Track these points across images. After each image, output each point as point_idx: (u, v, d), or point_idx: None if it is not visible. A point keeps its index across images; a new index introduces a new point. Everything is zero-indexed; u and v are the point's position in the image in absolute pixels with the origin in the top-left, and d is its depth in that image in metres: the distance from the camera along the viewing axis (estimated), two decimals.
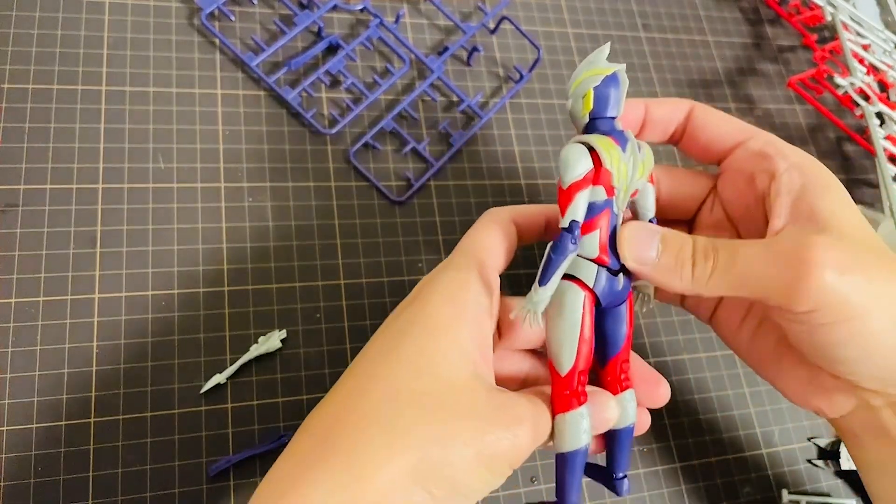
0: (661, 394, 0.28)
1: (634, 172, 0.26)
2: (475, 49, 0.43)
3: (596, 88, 0.26)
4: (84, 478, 0.30)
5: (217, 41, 0.40)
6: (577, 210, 0.24)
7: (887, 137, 0.48)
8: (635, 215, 0.28)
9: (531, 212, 0.28)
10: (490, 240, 0.27)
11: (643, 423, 0.28)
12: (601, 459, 0.28)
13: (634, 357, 0.29)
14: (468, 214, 0.40)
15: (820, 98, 0.51)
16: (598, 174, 0.25)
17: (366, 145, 0.40)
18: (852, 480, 0.40)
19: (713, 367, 0.41)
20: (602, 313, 0.27)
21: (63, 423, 0.31)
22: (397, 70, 0.42)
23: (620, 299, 0.26)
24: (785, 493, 0.38)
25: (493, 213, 0.28)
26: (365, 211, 0.39)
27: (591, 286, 0.25)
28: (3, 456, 0.30)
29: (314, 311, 0.36)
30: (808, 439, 0.40)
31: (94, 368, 0.32)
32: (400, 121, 0.41)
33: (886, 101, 0.50)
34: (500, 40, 0.45)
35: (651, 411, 0.38)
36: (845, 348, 0.25)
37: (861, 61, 0.51)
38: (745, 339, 0.31)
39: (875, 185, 0.51)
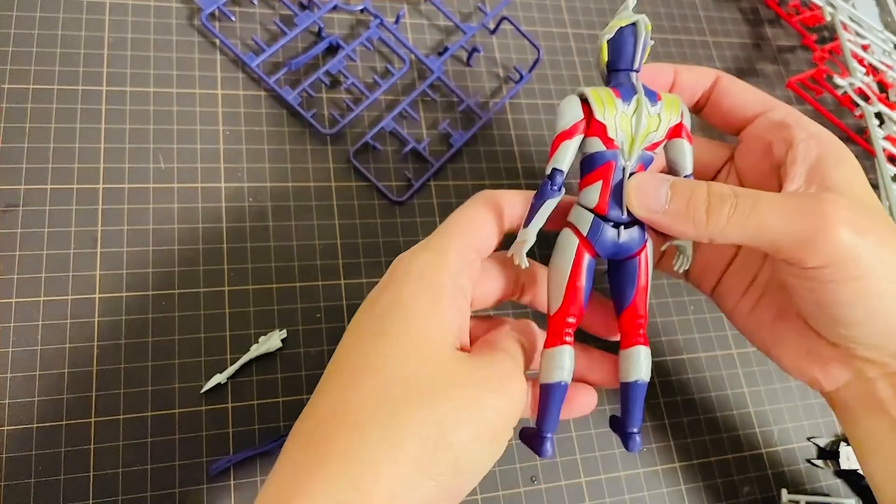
0: (584, 402, 0.29)
1: (640, 126, 0.25)
2: (475, 49, 0.43)
3: (610, 40, 0.26)
4: (84, 478, 0.30)
5: (217, 41, 0.40)
6: (559, 158, 0.25)
7: (886, 138, 0.48)
8: (673, 174, 0.28)
9: (522, 196, 0.27)
10: (473, 220, 0.26)
11: (588, 403, 0.28)
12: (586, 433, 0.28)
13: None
14: None
15: (819, 98, 0.51)
16: (591, 125, 0.25)
17: (366, 145, 0.40)
18: (852, 480, 0.40)
19: (713, 367, 0.41)
20: (614, 267, 0.27)
21: (63, 423, 0.31)
22: (397, 70, 0.42)
23: (627, 252, 0.26)
24: (784, 493, 0.38)
25: (482, 194, 0.28)
26: (365, 211, 0.39)
27: (584, 234, 0.26)
28: (4, 456, 0.30)
29: (314, 310, 0.36)
30: (808, 439, 0.40)
31: (95, 368, 0.32)
32: (400, 121, 0.41)
33: (886, 101, 0.50)
34: (500, 40, 0.46)
35: (651, 411, 0.39)
36: (849, 308, 0.25)
37: (860, 62, 0.51)
38: (745, 310, 0.31)
39: (875, 186, 0.51)
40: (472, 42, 0.44)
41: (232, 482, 0.32)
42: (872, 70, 0.52)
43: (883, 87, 0.52)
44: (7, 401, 0.30)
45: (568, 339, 0.26)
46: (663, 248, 0.29)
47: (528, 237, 0.26)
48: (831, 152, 0.27)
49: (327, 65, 0.40)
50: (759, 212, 0.24)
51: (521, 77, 0.44)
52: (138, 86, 0.37)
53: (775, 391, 0.41)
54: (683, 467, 0.38)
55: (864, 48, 0.53)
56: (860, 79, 0.49)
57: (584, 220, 0.26)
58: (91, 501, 0.30)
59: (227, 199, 0.37)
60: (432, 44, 0.44)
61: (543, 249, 0.41)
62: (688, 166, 0.27)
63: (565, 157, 0.25)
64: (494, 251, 0.28)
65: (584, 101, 0.25)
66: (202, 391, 0.33)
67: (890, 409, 0.27)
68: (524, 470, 0.35)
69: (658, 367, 0.40)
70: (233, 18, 0.41)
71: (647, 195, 0.25)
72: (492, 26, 0.45)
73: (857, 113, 0.48)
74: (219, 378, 0.33)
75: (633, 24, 0.26)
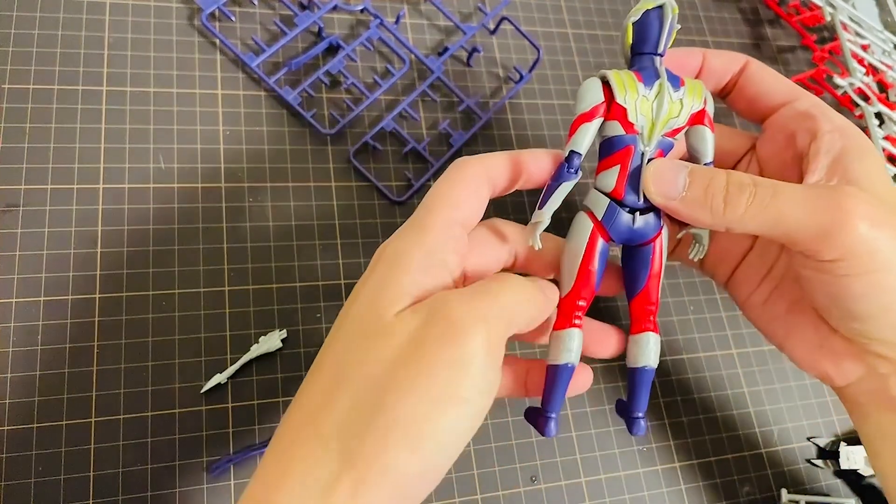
0: (612, 342, 0.28)
1: (661, 111, 0.25)
2: (475, 49, 0.43)
3: (636, 23, 0.26)
4: (84, 477, 0.30)
5: (217, 41, 0.40)
6: (577, 141, 0.25)
7: (886, 138, 0.48)
8: (693, 160, 0.28)
9: (503, 159, 0.26)
10: (453, 192, 0.25)
11: (585, 382, 0.28)
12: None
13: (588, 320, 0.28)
14: None
15: (819, 98, 0.51)
16: (612, 109, 0.25)
17: (366, 145, 0.40)
18: (852, 480, 0.40)
19: (713, 367, 0.41)
20: (628, 252, 0.27)
21: (63, 422, 0.31)
22: (397, 70, 0.42)
23: (641, 238, 0.26)
24: (784, 493, 0.38)
25: (460, 164, 0.26)
26: (365, 211, 0.39)
27: (599, 218, 0.26)
28: (4, 456, 0.30)
29: (315, 310, 0.36)
30: (808, 439, 0.40)
31: (95, 368, 0.32)
32: (400, 121, 0.41)
33: (886, 101, 0.50)
34: (499, 41, 0.46)
35: (650, 411, 0.39)
36: (863, 302, 0.25)
37: (860, 62, 0.51)
38: (759, 301, 0.31)
39: None
40: (472, 42, 0.44)
41: (232, 482, 0.32)
42: (872, 70, 0.52)
43: (883, 87, 0.52)
44: (7, 401, 0.30)
45: (577, 321, 0.26)
46: (679, 235, 0.28)
47: (543, 219, 0.25)
48: (855, 145, 0.27)
49: (327, 65, 0.40)
50: (777, 202, 0.24)
51: (521, 77, 0.44)
52: (138, 86, 0.37)
53: (775, 391, 0.41)
54: (683, 467, 0.38)
55: (864, 48, 0.53)
56: (860, 79, 0.49)
57: (600, 205, 0.26)
58: (91, 501, 0.30)
59: (227, 199, 0.37)
60: (432, 44, 0.44)
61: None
62: (709, 154, 0.27)
63: (584, 140, 0.25)
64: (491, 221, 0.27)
65: (606, 84, 0.25)
66: (202, 391, 0.33)
67: None
68: (524, 470, 0.35)
69: (658, 367, 0.40)
70: (233, 18, 0.41)
71: (664, 181, 0.25)
72: (492, 26, 0.45)
73: (857, 113, 0.48)
74: (219, 378, 0.33)
75: (660, 6, 0.26)
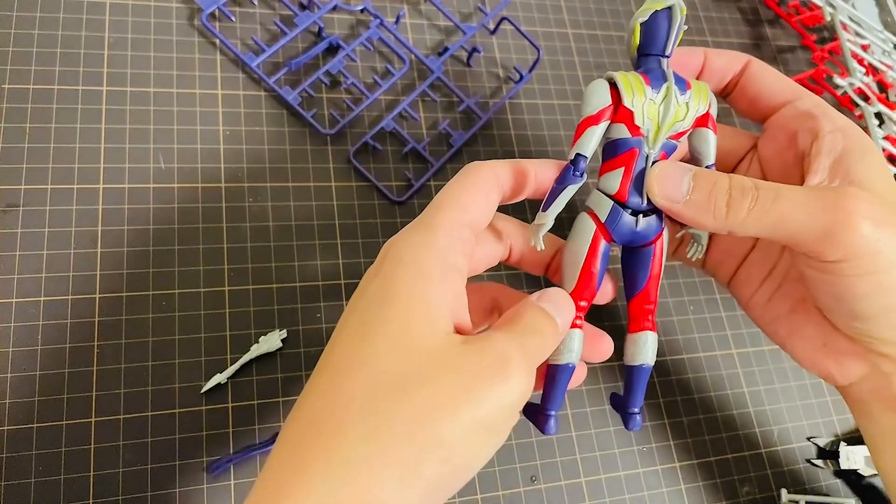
0: (604, 348, 0.28)
1: (668, 114, 0.25)
2: (475, 49, 0.43)
3: (643, 24, 0.26)
4: (84, 477, 0.30)
5: (217, 41, 0.40)
6: (583, 144, 0.25)
7: (886, 138, 0.48)
8: (695, 162, 0.28)
9: (511, 167, 0.26)
10: (463, 196, 0.25)
11: (580, 377, 0.28)
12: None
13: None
14: None
15: (821, 98, 0.51)
16: (618, 112, 0.25)
17: (366, 145, 0.40)
18: (851, 480, 0.40)
19: (713, 367, 0.41)
20: (628, 253, 0.27)
21: (63, 422, 0.31)
22: (397, 70, 0.42)
23: (643, 240, 0.26)
24: (784, 493, 0.38)
25: (470, 168, 0.26)
26: (365, 211, 0.39)
27: (602, 220, 0.25)
28: (4, 456, 0.30)
29: (315, 310, 0.36)
30: (808, 439, 0.40)
31: (95, 368, 0.32)
32: (400, 121, 0.41)
33: (885, 101, 0.50)
34: (499, 41, 0.46)
35: (650, 411, 0.39)
36: (867, 302, 0.25)
37: (860, 62, 0.51)
38: (762, 301, 0.31)
39: None
40: (472, 42, 0.44)
41: (232, 482, 0.32)
42: (872, 70, 0.52)
43: (883, 87, 0.52)
44: (7, 401, 0.30)
45: (578, 322, 0.26)
46: (678, 235, 0.28)
47: (547, 221, 0.25)
48: (857, 146, 0.27)
49: (327, 65, 0.40)
50: (779, 205, 0.24)
51: (521, 77, 0.44)
52: (138, 86, 0.37)
53: (775, 391, 0.41)
54: (683, 467, 0.38)
55: (864, 48, 0.53)
56: (860, 79, 0.49)
57: (604, 207, 0.26)
58: (91, 501, 0.30)
59: (227, 199, 0.37)
60: (432, 44, 0.44)
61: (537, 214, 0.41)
62: (711, 156, 0.27)
63: (590, 143, 0.25)
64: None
65: (612, 86, 0.25)
66: (202, 391, 0.33)
67: None
68: (524, 470, 0.35)
69: (658, 367, 0.40)
70: (233, 18, 0.41)
71: (668, 184, 0.25)
72: (492, 26, 0.45)
73: (857, 113, 0.48)
74: (219, 378, 0.33)
75: (669, 7, 0.25)
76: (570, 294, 0.26)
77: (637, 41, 0.26)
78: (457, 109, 0.42)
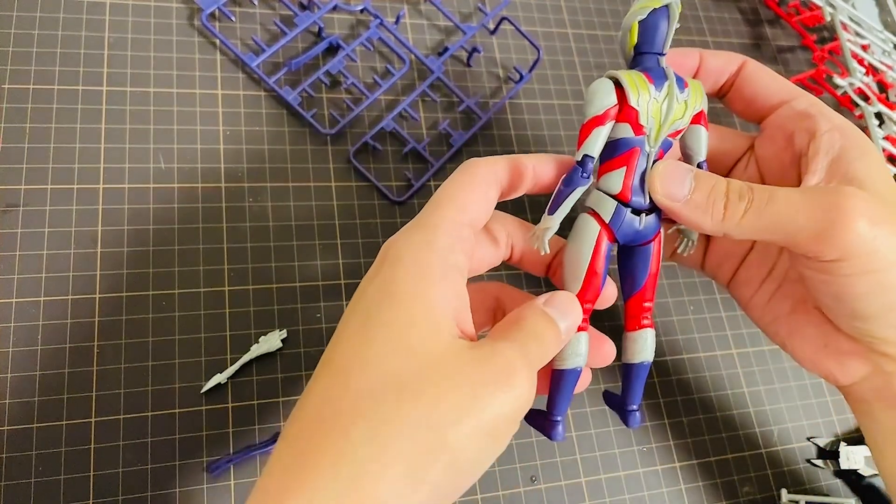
0: (607, 352, 0.28)
1: (670, 112, 0.25)
2: (475, 49, 0.43)
3: (641, 22, 0.25)
4: (84, 477, 0.30)
5: (217, 42, 0.40)
6: (591, 145, 0.24)
7: (886, 138, 0.48)
8: (685, 158, 0.28)
9: (509, 163, 0.26)
10: (462, 194, 0.25)
11: (585, 381, 0.28)
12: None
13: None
14: None
15: (819, 98, 0.51)
16: (623, 111, 0.24)
17: (366, 145, 0.40)
18: (851, 480, 0.40)
19: (713, 367, 0.41)
20: (627, 251, 0.27)
21: (63, 422, 0.31)
22: (397, 70, 0.42)
23: (643, 239, 0.26)
24: (784, 493, 0.38)
25: (468, 165, 0.26)
26: (365, 211, 0.39)
27: (606, 221, 0.25)
28: (4, 456, 0.30)
29: (315, 310, 0.36)
30: (808, 439, 0.40)
31: (95, 368, 0.32)
32: (400, 121, 0.41)
33: (885, 101, 0.50)
34: (499, 41, 0.46)
35: (650, 411, 0.39)
36: (867, 301, 0.25)
37: (860, 62, 0.51)
38: (762, 301, 0.31)
39: None
40: (472, 42, 0.44)
41: (232, 482, 0.32)
42: (872, 70, 0.52)
43: (883, 87, 0.52)
44: (7, 401, 0.30)
45: (584, 324, 0.26)
46: (669, 231, 0.29)
47: (553, 224, 0.25)
48: (854, 145, 0.27)
49: (327, 65, 0.40)
50: (773, 207, 0.24)
51: (521, 77, 0.44)
52: (138, 86, 0.37)
53: (775, 391, 0.41)
54: (683, 467, 0.38)
55: (864, 48, 0.53)
56: (860, 79, 0.49)
57: (607, 207, 0.25)
58: (91, 501, 0.30)
59: (227, 199, 0.37)
60: (432, 44, 0.44)
61: (536, 214, 0.41)
62: (703, 153, 0.27)
63: (597, 144, 0.25)
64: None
65: (617, 85, 0.25)
66: (202, 391, 0.33)
67: None
68: (524, 470, 0.35)
69: (658, 367, 0.40)
70: (233, 18, 0.41)
71: (671, 183, 0.25)
72: (492, 26, 0.45)
73: (857, 113, 0.48)
74: (219, 378, 0.33)
75: (666, 6, 0.25)
76: (576, 296, 0.26)
77: (634, 40, 0.26)
78: (457, 109, 0.42)
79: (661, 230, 0.27)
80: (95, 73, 0.37)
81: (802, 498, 0.38)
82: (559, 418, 0.25)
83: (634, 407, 0.27)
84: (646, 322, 0.27)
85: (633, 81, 0.24)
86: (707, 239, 0.33)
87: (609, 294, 0.27)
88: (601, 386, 0.38)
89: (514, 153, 0.42)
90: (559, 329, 0.24)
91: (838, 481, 0.40)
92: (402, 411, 0.20)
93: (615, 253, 0.28)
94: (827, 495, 0.39)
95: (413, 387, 0.21)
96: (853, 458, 0.39)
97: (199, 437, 0.32)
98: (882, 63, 0.52)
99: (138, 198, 0.35)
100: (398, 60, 0.43)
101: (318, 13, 0.41)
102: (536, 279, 0.39)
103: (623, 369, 0.28)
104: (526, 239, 0.27)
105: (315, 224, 0.38)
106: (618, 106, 0.25)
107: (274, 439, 0.32)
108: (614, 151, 0.25)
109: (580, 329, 0.25)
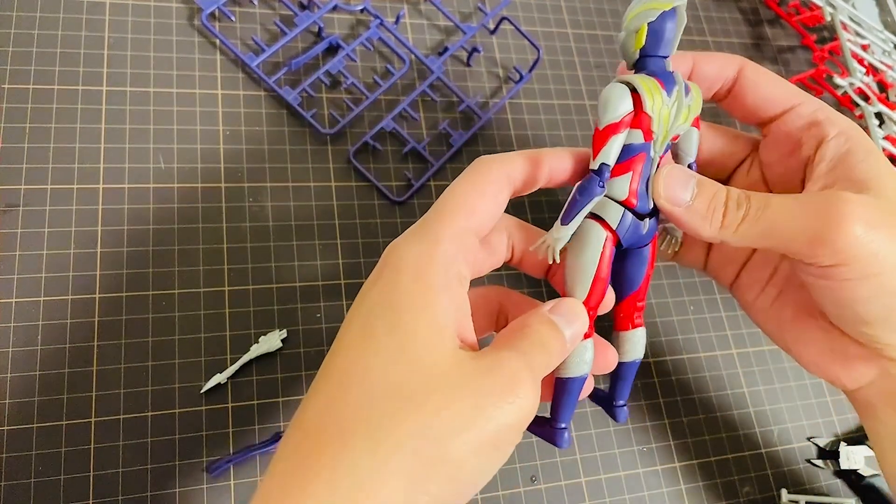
0: (609, 359, 0.27)
1: (677, 118, 0.25)
2: (475, 49, 0.43)
3: (651, 24, 0.24)
4: (84, 477, 0.30)
5: (217, 41, 0.40)
6: (610, 153, 0.24)
7: (886, 138, 0.48)
8: (676, 158, 0.28)
9: (524, 160, 0.25)
10: (469, 199, 0.24)
11: (588, 386, 0.27)
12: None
13: None
14: None
15: (819, 98, 0.51)
16: (637, 117, 0.24)
17: (366, 145, 0.40)
18: (851, 480, 0.40)
19: (713, 367, 0.41)
20: (623, 253, 0.27)
21: (63, 422, 0.31)
22: (397, 70, 0.42)
23: (644, 242, 0.26)
24: (784, 493, 0.38)
25: (480, 165, 0.25)
26: (365, 211, 0.39)
27: (614, 228, 0.25)
28: (4, 456, 0.30)
29: (315, 310, 0.36)
30: (808, 439, 0.40)
31: (95, 368, 0.32)
32: (400, 121, 0.41)
33: (886, 101, 0.50)
34: (499, 41, 0.46)
35: (651, 411, 0.39)
36: (870, 305, 0.25)
37: (860, 62, 0.51)
38: (765, 305, 0.31)
39: None
40: (472, 42, 0.44)
41: (232, 482, 0.32)
42: (872, 70, 0.52)
43: (883, 87, 0.52)
44: (7, 401, 0.30)
45: (589, 330, 0.25)
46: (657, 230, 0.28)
47: (567, 234, 0.24)
48: (859, 147, 0.26)
49: (327, 65, 0.40)
50: (768, 214, 0.24)
51: (521, 77, 0.44)
52: (138, 86, 0.37)
53: (775, 391, 0.41)
54: (683, 467, 0.38)
55: (864, 48, 0.53)
56: (860, 79, 0.49)
57: (614, 213, 0.25)
58: (91, 501, 0.30)
59: (227, 199, 0.37)
60: (432, 44, 0.44)
61: (536, 213, 0.41)
62: (693, 153, 0.27)
63: (614, 152, 0.24)
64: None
65: (632, 91, 0.24)
66: (202, 391, 0.33)
67: None
68: (524, 470, 0.35)
69: (658, 367, 0.40)
70: (233, 18, 0.41)
71: (674, 188, 0.25)
72: (492, 26, 0.45)
73: (857, 113, 0.48)
74: (219, 378, 0.33)
75: (674, 8, 0.25)
76: (583, 303, 0.25)
77: (642, 42, 0.25)
78: (457, 109, 0.42)
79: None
80: (95, 72, 0.37)
81: (802, 498, 0.38)
82: (564, 426, 0.25)
83: (622, 402, 0.28)
84: (638, 321, 0.27)
85: (649, 88, 0.24)
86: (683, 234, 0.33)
87: (609, 299, 0.27)
88: (602, 386, 0.38)
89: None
90: (564, 337, 0.24)
91: (838, 481, 0.40)
92: (404, 422, 0.20)
93: None
94: (827, 495, 0.39)
95: (415, 397, 0.20)
96: (853, 458, 0.39)
97: (198, 438, 0.32)
98: (882, 63, 0.52)
99: (138, 198, 0.35)
100: (398, 60, 0.43)
101: (318, 13, 0.41)
102: (536, 281, 0.39)
103: (616, 368, 0.27)
104: (527, 240, 0.27)
105: (315, 224, 0.38)
106: (633, 112, 0.24)
107: (274, 439, 0.32)
108: (622, 157, 0.25)
109: (586, 336, 0.25)
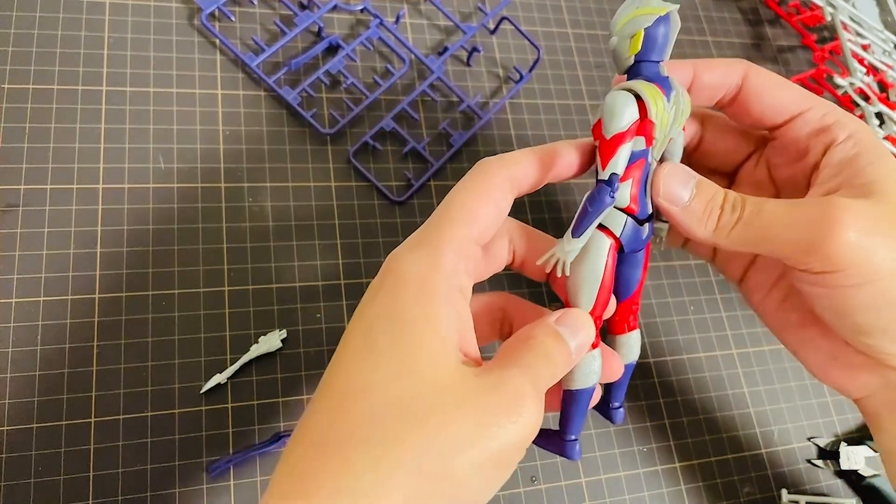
0: (615, 368, 0.27)
1: (674, 122, 0.25)
2: (475, 49, 0.43)
3: (647, 29, 0.24)
4: (84, 478, 0.30)
5: (217, 41, 0.40)
6: (619, 163, 0.23)
7: (887, 138, 0.48)
8: (660, 160, 0.27)
9: (530, 159, 0.25)
10: (471, 206, 0.23)
11: (595, 396, 0.27)
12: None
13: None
14: None
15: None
16: (642, 124, 0.24)
17: (366, 145, 0.40)
18: (852, 480, 0.40)
19: (713, 367, 0.41)
20: (620, 257, 0.26)
21: (63, 423, 0.31)
22: (397, 70, 0.42)
23: (641, 246, 0.26)
24: (784, 493, 0.38)
25: (483, 168, 0.24)
26: (365, 211, 0.39)
27: (618, 236, 0.25)
28: (4, 456, 0.30)
29: (315, 310, 0.36)
30: (808, 439, 0.40)
31: (95, 368, 0.32)
32: (400, 121, 0.41)
33: (886, 101, 0.50)
34: (500, 40, 0.45)
35: (651, 411, 0.39)
36: (868, 314, 0.24)
37: (861, 61, 0.51)
38: (773, 306, 0.30)
39: None
40: (472, 42, 0.44)
41: (232, 482, 0.32)
42: (873, 70, 0.52)
43: (883, 86, 0.52)
44: (7, 401, 0.30)
45: (595, 339, 0.25)
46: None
47: (578, 247, 0.24)
48: (868, 150, 0.26)
49: (327, 65, 0.40)
50: (760, 219, 0.24)
51: (521, 77, 0.44)
52: (138, 86, 0.37)
53: (775, 391, 0.41)
54: (683, 467, 0.38)
55: (865, 48, 0.53)
56: (860, 79, 0.49)
57: (617, 221, 0.25)
58: (91, 501, 0.30)
59: (227, 199, 0.37)
60: (432, 44, 0.44)
61: (536, 213, 0.41)
62: (679, 154, 0.27)
63: (623, 161, 0.24)
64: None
65: (637, 98, 0.24)
66: (202, 391, 0.33)
67: None
68: (524, 470, 0.35)
69: (658, 367, 0.40)
70: (233, 18, 0.41)
71: (674, 187, 0.25)
72: (492, 26, 0.45)
73: (858, 113, 0.48)
74: (219, 378, 0.33)
75: (668, 13, 0.24)
76: (590, 313, 0.25)
77: (638, 47, 0.25)
78: (457, 109, 0.42)
79: None
80: (95, 72, 0.37)
81: (803, 498, 0.38)
82: (575, 437, 0.25)
83: (618, 405, 0.28)
84: (633, 324, 0.27)
85: (652, 94, 0.24)
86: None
87: (611, 305, 0.27)
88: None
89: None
90: (570, 349, 0.23)
91: (839, 481, 0.40)
92: (406, 439, 0.19)
93: None
94: (827, 496, 0.39)
95: (417, 414, 0.20)
96: (853, 458, 0.39)
97: (198, 438, 0.32)
98: (882, 63, 0.52)
99: (138, 198, 0.35)
100: (398, 60, 0.43)
101: (318, 13, 0.41)
102: (537, 284, 0.39)
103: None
104: (528, 244, 0.27)
105: (315, 224, 0.38)
106: (638, 120, 0.24)
107: (274, 440, 0.32)
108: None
109: (593, 346, 0.25)
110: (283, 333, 0.35)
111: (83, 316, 0.33)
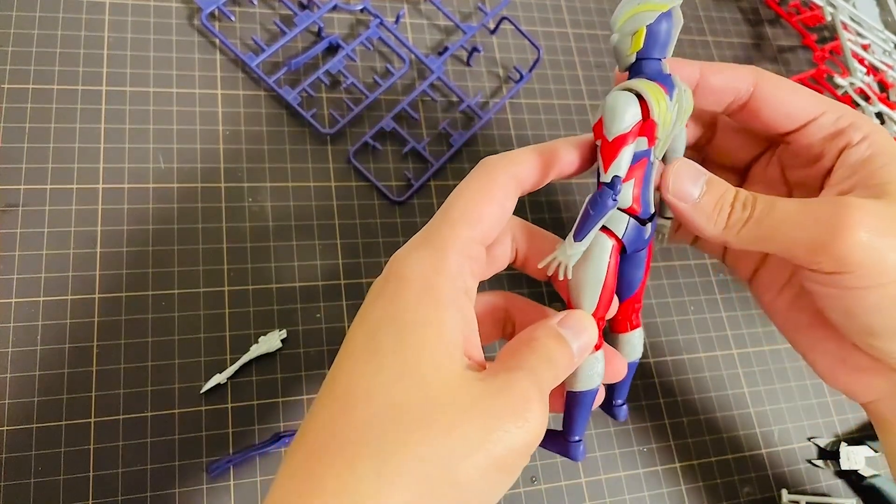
0: (618, 368, 0.27)
1: (677, 120, 0.24)
2: (475, 49, 0.43)
3: (649, 26, 0.23)
4: (84, 478, 0.30)
5: (217, 41, 0.40)
6: (622, 165, 0.23)
7: None
8: (663, 157, 0.27)
9: (533, 158, 0.24)
10: (475, 206, 0.23)
11: (599, 397, 0.27)
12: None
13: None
14: None
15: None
16: (644, 125, 0.23)
17: (366, 145, 0.40)
18: (852, 481, 0.40)
19: (713, 367, 0.41)
20: (622, 257, 0.26)
21: (63, 423, 0.31)
22: (397, 70, 0.42)
23: (644, 245, 0.26)
24: (785, 493, 0.38)
25: (486, 168, 0.24)
26: (365, 211, 0.39)
27: (620, 237, 0.24)
28: (3, 456, 0.30)
29: (315, 310, 0.36)
30: (808, 439, 0.40)
31: (95, 368, 0.32)
32: (400, 121, 0.41)
33: (886, 101, 0.50)
34: (500, 40, 0.45)
35: (651, 411, 0.38)
36: (879, 316, 0.24)
37: (861, 61, 0.51)
38: (783, 307, 0.30)
39: None
40: (472, 42, 0.44)
41: (232, 482, 0.32)
42: (873, 70, 0.52)
43: (883, 86, 0.52)
44: (7, 401, 0.30)
45: (598, 341, 0.25)
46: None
47: (579, 251, 0.24)
48: (883, 152, 0.25)
49: (327, 65, 0.40)
50: (770, 218, 0.24)
51: (521, 77, 0.44)
52: (138, 86, 0.37)
53: (775, 391, 0.41)
54: (683, 467, 0.38)
55: (865, 48, 0.53)
56: (861, 78, 0.49)
57: (619, 222, 0.24)
58: (91, 501, 0.30)
59: (227, 199, 0.37)
60: (432, 44, 0.44)
61: (536, 213, 0.41)
62: (682, 151, 0.27)
63: (626, 163, 0.23)
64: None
65: (639, 98, 0.23)
66: (202, 391, 0.33)
67: None
68: (524, 470, 0.35)
69: (658, 367, 0.40)
70: (233, 18, 0.41)
71: (684, 183, 0.25)
72: (492, 26, 0.45)
73: None
74: (219, 378, 0.33)
75: (671, 9, 0.24)
76: (592, 315, 0.25)
77: (640, 44, 0.24)
78: (457, 109, 0.42)
79: None
80: (95, 72, 0.37)
81: (803, 498, 0.38)
82: (579, 438, 0.25)
83: (621, 402, 0.28)
84: (636, 322, 0.27)
85: (655, 94, 0.23)
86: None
87: (613, 306, 0.27)
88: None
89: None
90: (572, 351, 0.23)
91: (839, 481, 0.40)
92: (410, 444, 0.19)
93: None
94: (827, 496, 0.39)
95: (422, 418, 0.20)
96: (854, 458, 0.39)
97: (198, 438, 0.32)
98: (883, 63, 0.52)
99: (138, 198, 0.35)
100: (398, 60, 0.43)
101: (317, 13, 0.41)
102: (537, 283, 0.39)
103: None
104: (531, 243, 0.27)
105: (315, 224, 0.38)
106: (641, 121, 0.23)
107: (274, 440, 0.32)
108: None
109: (596, 347, 0.25)
110: (283, 333, 0.35)
111: (83, 316, 0.33)
